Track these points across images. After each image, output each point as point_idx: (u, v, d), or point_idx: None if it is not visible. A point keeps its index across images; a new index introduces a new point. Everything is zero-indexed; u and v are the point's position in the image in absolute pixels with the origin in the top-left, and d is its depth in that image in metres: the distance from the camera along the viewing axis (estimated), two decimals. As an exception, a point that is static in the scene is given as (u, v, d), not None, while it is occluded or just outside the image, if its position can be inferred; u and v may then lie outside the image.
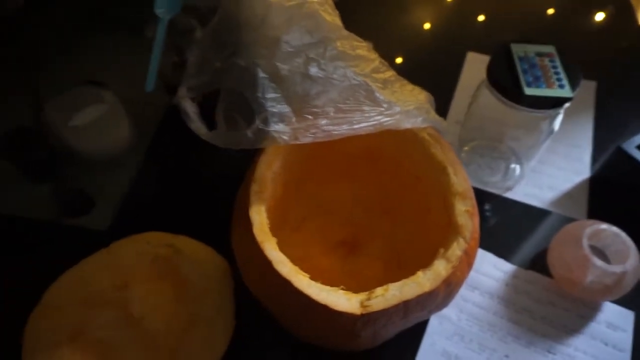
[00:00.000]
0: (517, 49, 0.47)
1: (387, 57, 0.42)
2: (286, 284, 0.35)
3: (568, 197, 0.56)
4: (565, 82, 0.44)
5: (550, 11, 0.77)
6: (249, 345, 0.46)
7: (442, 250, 0.37)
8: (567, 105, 0.46)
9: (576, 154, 0.60)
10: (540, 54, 0.47)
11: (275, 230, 0.38)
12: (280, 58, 0.33)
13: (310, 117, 0.35)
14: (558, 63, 0.46)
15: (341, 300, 0.35)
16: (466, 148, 0.60)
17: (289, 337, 0.45)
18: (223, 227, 0.42)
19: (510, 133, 0.55)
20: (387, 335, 0.41)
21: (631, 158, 0.51)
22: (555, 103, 0.44)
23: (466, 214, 0.39)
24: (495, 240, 0.53)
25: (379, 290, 0.35)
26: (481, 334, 0.47)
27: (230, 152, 0.36)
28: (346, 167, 0.50)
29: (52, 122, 0.55)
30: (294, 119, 0.34)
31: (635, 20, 0.75)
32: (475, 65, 0.70)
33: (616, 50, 0.72)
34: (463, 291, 0.50)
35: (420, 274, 0.36)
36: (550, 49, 0.47)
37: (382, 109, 0.37)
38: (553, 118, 0.48)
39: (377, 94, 0.37)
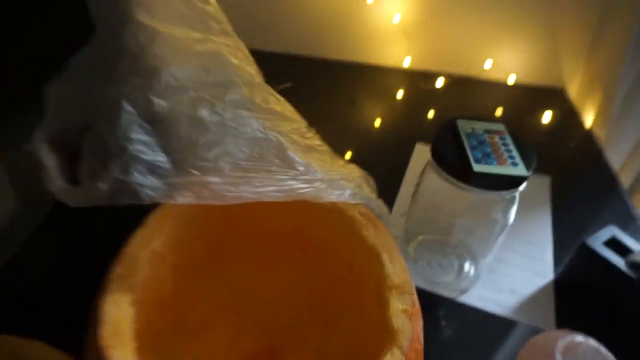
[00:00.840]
0: (464, 125, 0.42)
1: (335, 148, 0.37)
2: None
3: (532, 302, 0.47)
4: (518, 160, 0.38)
5: (499, 110, 0.76)
6: None
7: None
8: (522, 188, 0.39)
9: (536, 252, 0.52)
10: (489, 131, 0.41)
11: (159, 336, 0.27)
12: (158, 92, 0.25)
13: (195, 172, 0.26)
14: (509, 141, 0.40)
15: None
16: (413, 243, 0.52)
17: None
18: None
19: (460, 224, 0.48)
20: None
21: (599, 257, 0.44)
22: (510, 183, 0.38)
23: (403, 315, 0.29)
24: (450, 355, 0.43)
25: None
26: None
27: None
28: (267, 252, 0.41)
29: None
30: (171, 172, 0.25)
31: (582, 123, 0.74)
32: (422, 156, 0.65)
33: (567, 149, 0.69)
34: None
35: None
36: (499, 127, 0.42)
37: (297, 172, 0.29)
38: (507, 204, 0.41)
39: (291, 154, 0.30)
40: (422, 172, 0.46)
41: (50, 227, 0.50)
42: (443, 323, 0.45)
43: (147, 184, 0.24)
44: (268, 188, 0.28)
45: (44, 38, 0.43)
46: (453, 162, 0.39)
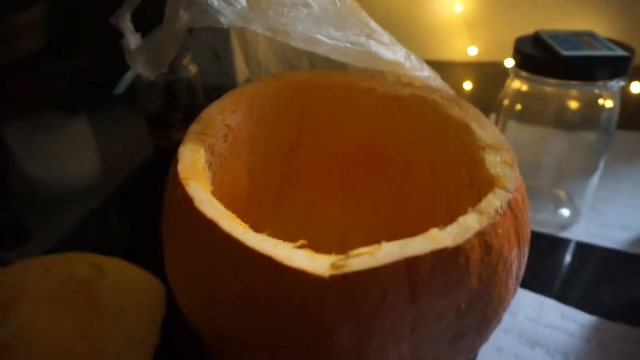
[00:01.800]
0: (546, 33, 0.39)
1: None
2: (212, 229, 0.21)
3: (652, 237, 0.40)
4: (614, 47, 0.35)
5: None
6: None
7: (469, 209, 0.23)
8: (621, 83, 0.35)
9: (648, 193, 0.46)
10: (576, 34, 0.38)
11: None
12: None
13: (270, 12, 0.26)
14: (602, 39, 0.37)
15: (298, 255, 0.20)
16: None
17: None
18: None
19: (550, 154, 0.43)
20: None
21: None
22: (609, 67, 0.34)
23: (503, 165, 0.26)
24: (555, 285, 0.37)
25: (364, 249, 0.20)
26: (559, 415, 0.28)
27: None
28: (340, 176, 0.38)
29: (11, 145, 0.48)
30: (246, 6, 0.25)
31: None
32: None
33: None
34: (516, 346, 0.32)
35: (434, 229, 0.21)
36: (588, 31, 0.39)
37: (370, 30, 0.28)
38: (604, 116, 0.37)
39: (365, 15, 0.29)
40: (500, 114, 0.43)
41: (128, 191, 0.52)
42: (544, 256, 0.40)
43: (223, 11, 0.24)
44: (342, 42, 0.27)
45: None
46: (538, 55, 0.36)
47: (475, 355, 0.32)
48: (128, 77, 0.45)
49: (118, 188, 0.52)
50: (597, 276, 0.37)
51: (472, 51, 0.79)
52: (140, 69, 0.28)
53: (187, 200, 0.22)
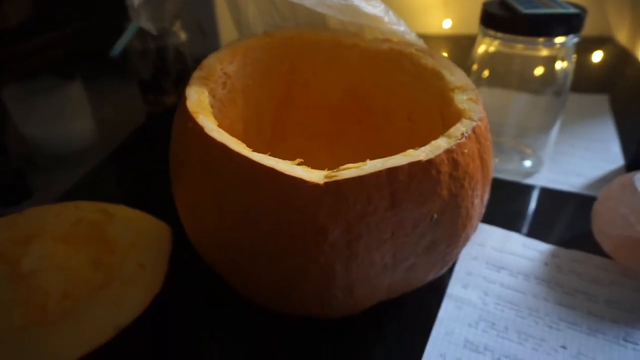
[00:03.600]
0: (509, -4, 0.43)
1: None
2: (222, 151, 0.25)
3: (604, 181, 0.45)
4: (568, 6, 0.39)
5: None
6: (180, 304, 0.33)
7: (440, 136, 0.27)
8: (575, 39, 0.40)
9: (600, 146, 0.51)
10: (535, -4, 0.42)
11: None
12: None
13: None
14: (560, 1, 0.41)
15: (297, 169, 0.24)
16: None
17: (235, 300, 0.32)
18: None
19: (515, 113, 0.47)
20: (373, 271, 0.27)
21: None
22: (563, 24, 0.38)
23: (469, 101, 0.30)
24: (520, 222, 0.41)
25: (351, 165, 0.24)
26: (520, 320, 0.32)
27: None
28: (326, 125, 0.42)
29: (9, 108, 0.50)
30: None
31: (635, 59, 0.73)
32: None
33: (622, 77, 0.68)
34: (484, 270, 0.36)
35: (411, 150, 0.25)
36: (545, -6, 0.43)
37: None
38: (560, 75, 0.41)
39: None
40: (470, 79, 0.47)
41: (125, 151, 0.54)
42: (510, 199, 0.44)
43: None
44: (329, -4, 0.31)
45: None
46: (502, 14, 0.40)
47: (451, 267, 0.36)
48: (124, 39, 0.48)
49: (114, 149, 0.54)
50: (555, 214, 0.42)
51: (447, 24, 0.83)
52: (143, 23, 0.31)
53: (198, 130, 0.26)
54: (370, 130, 0.41)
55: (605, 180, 0.46)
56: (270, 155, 0.25)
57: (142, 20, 0.30)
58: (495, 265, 0.37)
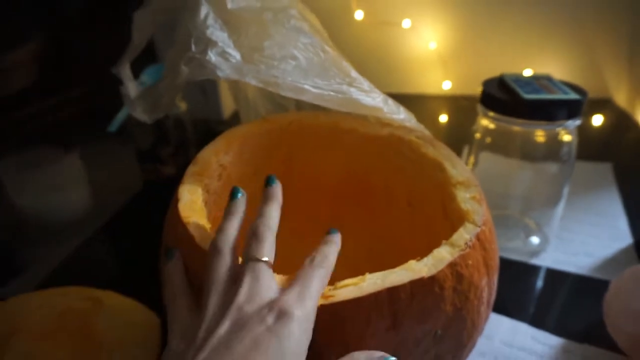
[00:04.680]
0: (509, 76, 0.43)
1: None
2: (210, 265, 0.23)
3: (613, 262, 0.44)
4: (569, 91, 0.39)
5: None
6: None
7: (443, 242, 0.26)
8: (578, 122, 0.39)
9: (607, 222, 0.49)
10: (536, 77, 0.42)
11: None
12: None
13: (262, 65, 0.28)
14: (558, 82, 0.41)
15: (291, 287, 0.23)
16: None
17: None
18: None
19: (519, 184, 0.46)
20: None
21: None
22: (565, 109, 0.38)
23: (472, 200, 0.29)
24: (527, 310, 0.40)
25: (349, 280, 0.23)
26: None
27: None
28: (325, 208, 0.41)
29: (3, 178, 0.49)
30: (240, 62, 0.28)
31: (635, 123, 0.73)
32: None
33: (624, 142, 0.67)
34: (493, 368, 0.34)
35: (412, 261, 0.24)
36: (546, 74, 0.43)
37: (351, 79, 0.31)
38: (565, 149, 0.40)
39: (346, 64, 0.32)
40: (473, 145, 0.46)
41: (118, 225, 0.53)
42: (516, 281, 0.42)
43: (220, 65, 0.27)
44: (326, 90, 0.30)
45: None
46: (502, 98, 0.39)
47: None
48: (122, 115, 0.48)
49: (108, 220, 0.53)
50: (564, 300, 0.40)
51: (447, 85, 0.84)
52: (139, 114, 0.30)
53: (189, 238, 0.25)
54: (370, 212, 0.40)
55: (615, 261, 0.44)
56: None
57: (137, 112, 0.30)
58: (503, 362, 0.35)
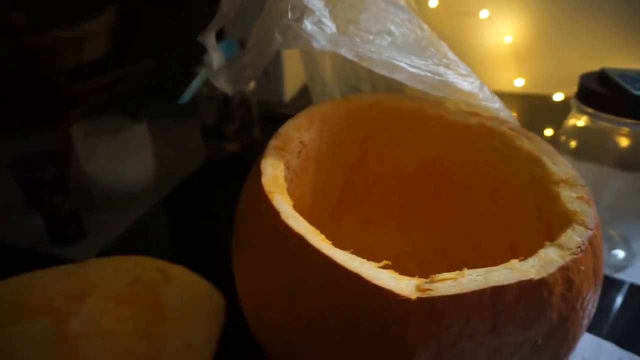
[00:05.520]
0: (613, 71, 0.39)
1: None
2: (299, 242, 0.22)
3: None
4: (686, 90, 0.34)
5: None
6: None
7: (546, 243, 0.23)
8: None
9: None
10: (643, 74, 0.38)
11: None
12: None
13: (357, 38, 0.27)
14: (670, 80, 0.37)
15: (384, 276, 0.21)
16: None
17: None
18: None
19: (607, 193, 0.42)
20: None
21: None
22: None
23: (580, 201, 0.26)
24: (611, 328, 0.36)
25: (447, 274, 0.21)
26: None
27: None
28: (398, 197, 0.39)
29: (75, 146, 0.50)
30: (335, 34, 0.26)
31: None
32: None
33: None
34: (576, 387, 0.31)
35: (515, 261, 0.22)
36: (654, 71, 0.39)
37: (448, 61, 0.29)
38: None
39: (444, 45, 0.29)
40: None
41: (180, 198, 0.53)
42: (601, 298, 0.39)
43: (316, 35, 0.25)
44: (423, 70, 0.28)
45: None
46: (606, 93, 0.36)
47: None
48: (194, 86, 0.47)
49: (170, 192, 0.53)
50: (655, 321, 0.37)
51: (519, 83, 0.79)
52: (222, 85, 0.29)
53: (274, 214, 0.23)
54: (446, 206, 0.37)
55: None
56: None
57: (220, 82, 0.29)
58: (587, 382, 0.32)
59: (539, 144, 0.31)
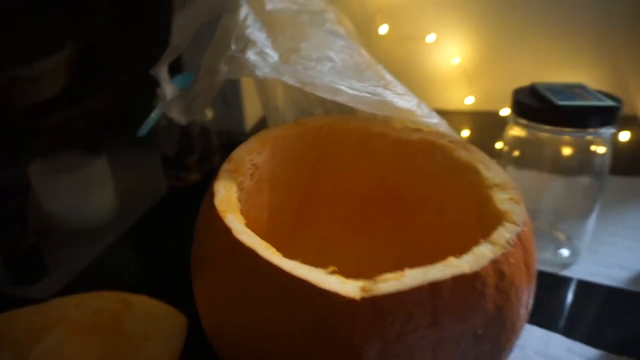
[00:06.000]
0: (542, 85, 0.42)
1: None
2: (251, 256, 0.23)
3: (648, 276, 0.42)
4: (603, 98, 0.38)
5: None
6: None
7: (480, 241, 0.25)
8: (612, 130, 0.39)
9: (641, 234, 0.48)
10: (568, 87, 0.42)
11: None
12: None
13: (299, 66, 0.29)
14: (592, 90, 0.41)
15: (331, 280, 0.22)
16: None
17: None
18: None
19: (549, 198, 0.45)
20: None
21: None
22: (599, 116, 0.37)
23: (510, 201, 0.28)
24: (559, 321, 0.38)
25: (389, 275, 0.23)
26: None
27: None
28: (354, 213, 0.41)
29: (33, 182, 0.50)
30: (278, 63, 0.28)
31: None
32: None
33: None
34: (528, 379, 0.33)
35: (452, 258, 0.24)
36: (579, 83, 0.43)
37: (385, 82, 0.31)
38: (597, 161, 0.40)
39: (380, 67, 0.32)
40: (499, 159, 0.46)
41: (143, 229, 0.53)
42: (548, 293, 0.41)
43: (259, 64, 0.27)
44: (362, 92, 0.31)
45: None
46: (534, 105, 0.39)
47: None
48: (152, 119, 0.48)
49: (133, 225, 0.53)
50: (599, 312, 0.39)
51: (469, 100, 0.83)
52: (175, 115, 0.31)
53: (226, 231, 0.25)
54: (399, 219, 0.39)
55: (650, 274, 0.43)
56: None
57: (173, 113, 0.30)
58: (538, 373, 0.34)
59: (476, 153, 0.33)
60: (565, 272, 0.44)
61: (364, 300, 0.21)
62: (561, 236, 0.47)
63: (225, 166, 0.30)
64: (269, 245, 0.24)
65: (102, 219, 0.52)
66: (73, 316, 0.34)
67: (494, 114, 0.80)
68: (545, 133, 0.40)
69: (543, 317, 0.38)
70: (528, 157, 0.45)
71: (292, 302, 0.22)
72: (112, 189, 0.53)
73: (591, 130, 0.38)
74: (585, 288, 0.42)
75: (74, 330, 0.33)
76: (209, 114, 0.56)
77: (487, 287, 0.23)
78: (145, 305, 0.36)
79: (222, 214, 0.26)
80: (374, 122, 0.37)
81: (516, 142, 0.45)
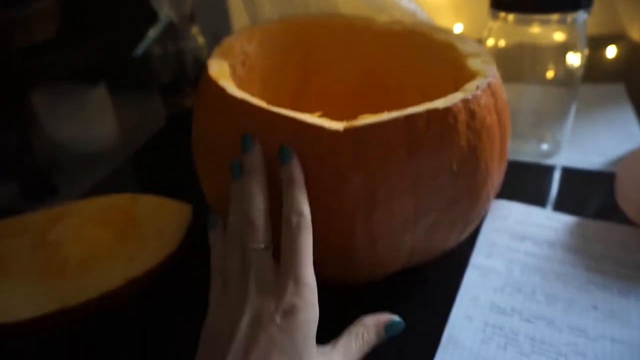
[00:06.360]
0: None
1: None
2: (244, 107, 0.25)
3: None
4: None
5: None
6: (194, 264, 0.33)
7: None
8: (585, 15, 0.40)
9: (619, 129, 0.50)
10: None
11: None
12: None
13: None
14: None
15: (318, 119, 0.25)
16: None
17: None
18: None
19: (528, 101, 0.47)
20: (394, 225, 0.26)
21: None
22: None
23: (482, 64, 0.30)
24: (542, 199, 0.41)
25: (369, 115, 0.25)
26: (547, 284, 0.32)
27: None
28: (342, 107, 0.43)
29: (37, 112, 0.52)
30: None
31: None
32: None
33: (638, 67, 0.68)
34: (508, 241, 0.36)
35: (427, 102, 0.26)
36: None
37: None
38: (572, 46, 0.42)
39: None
40: None
41: (144, 156, 0.56)
42: (531, 179, 0.44)
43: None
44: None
45: None
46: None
47: (474, 239, 0.36)
48: (146, 41, 0.50)
49: (136, 149, 0.56)
50: (577, 190, 0.42)
51: (458, 28, 0.84)
52: (167, 10, 0.32)
53: (220, 91, 0.27)
54: (386, 109, 0.42)
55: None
56: None
57: (164, 7, 0.32)
58: (518, 235, 0.37)
59: (452, 34, 0.35)
60: (548, 161, 0.46)
61: (346, 131, 0.24)
62: (543, 132, 0.49)
63: (217, 50, 0.32)
64: (259, 99, 0.26)
65: (106, 145, 0.55)
66: (87, 209, 0.37)
67: (482, 41, 0.81)
68: (521, 24, 0.41)
69: (526, 198, 0.41)
70: (507, 69, 0.46)
71: (284, 138, 0.24)
72: (112, 117, 0.55)
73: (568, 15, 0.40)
74: (566, 172, 0.44)
75: (88, 219, 0.35)
76: (200, 39, 0.58)
77: (459, 124, 0.25)
78: (152, 200, 0.38)
79: (216, 79, 0.28)
80: (357, 18, 0.39)
81: (495, 54, 0.46)
